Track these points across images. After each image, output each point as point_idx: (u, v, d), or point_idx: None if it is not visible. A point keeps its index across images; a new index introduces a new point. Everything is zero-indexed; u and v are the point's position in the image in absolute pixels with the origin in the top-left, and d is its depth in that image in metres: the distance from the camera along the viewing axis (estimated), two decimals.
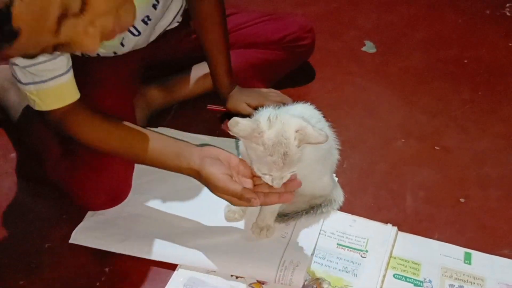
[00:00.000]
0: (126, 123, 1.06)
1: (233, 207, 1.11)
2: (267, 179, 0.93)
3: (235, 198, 0.95)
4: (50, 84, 0.98)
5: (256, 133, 0.89)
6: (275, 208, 1.06)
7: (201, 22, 1.22)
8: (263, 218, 1.07)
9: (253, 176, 0.97)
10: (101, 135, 1.04)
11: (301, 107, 1.04)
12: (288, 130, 0.90)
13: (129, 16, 0.82)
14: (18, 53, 0.72)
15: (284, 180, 0.93)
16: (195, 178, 1.01)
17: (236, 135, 0.90)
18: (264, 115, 0.92)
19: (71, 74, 1.01)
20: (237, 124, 0.90)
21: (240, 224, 1.10)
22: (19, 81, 0.98)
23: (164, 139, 1.05)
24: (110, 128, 1.05)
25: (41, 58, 0.91)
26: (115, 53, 1.21)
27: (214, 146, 1.02)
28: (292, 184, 0.95)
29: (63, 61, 0.98)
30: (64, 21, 0.71)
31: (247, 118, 0.92)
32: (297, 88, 1.50)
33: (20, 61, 0.94)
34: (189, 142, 1.06)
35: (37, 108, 1.01)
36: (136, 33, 1.17)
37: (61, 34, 0.72)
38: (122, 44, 1.18)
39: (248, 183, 0.96)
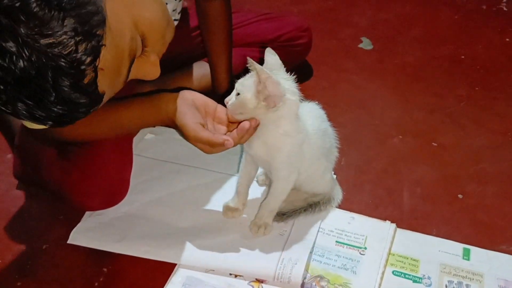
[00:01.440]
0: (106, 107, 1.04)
1: (231, 204, 1.11)
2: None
3: (207, 145, 0.95)
4: None
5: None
6: (274, 206, 1.06)
7: (207, 22, 1.22)
8: (261, 216, 1.07)
9: (229, 123, 0.99)
10: (85, 129, 1.03)
11: (309, 106, 1.04)
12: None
13: (171, 33, 0.86)
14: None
15: (230, 102, 0.94)
16: (172, 127, 1.01)
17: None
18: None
19: None
20: (274, 54, 0.97)
21: (238, 222, 1.10)
22: None
23: (138, 99, 1.04)
24: (90, 118, 1.04)
25: None
26: None
27: (192, 90, 1.02)
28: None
29: None
30: (132, 66, 0.78)
31: None
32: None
33: None
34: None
35: (34, 126, 0.99)
36: None
37: (132, 74, 0.80)
38: None
39: (222, 130, 0.98)
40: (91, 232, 1.08)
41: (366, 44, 1.66)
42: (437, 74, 1.55)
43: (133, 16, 0.75)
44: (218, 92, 1.33)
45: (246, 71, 0.98)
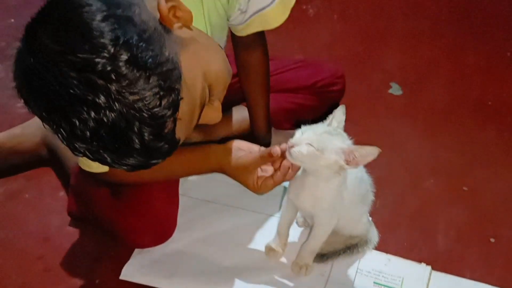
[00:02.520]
0: None
1: (273, 245, 1.16)
2: (293, 138, 1.00)
3: (256, 183, 1.03)
4: None
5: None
6: (314, 248, 1.12)
7: (247, 72, 1.29)
8: (302, 257, 1.13)
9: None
10: (138, 173, 1.11)
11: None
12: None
13: (230, 79, 0.94)
14: None
15: (296, 149, 0.97)
16: (220, 172, 1.09)
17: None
18: None
19: None
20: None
21: (280, 262, 1.15)
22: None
23: (189, 149, 1.12)
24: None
25: None
26: None
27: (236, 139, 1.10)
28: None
29: None
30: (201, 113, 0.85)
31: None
32: None
33: None
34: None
35: (93, 170, 1.08)
36: None
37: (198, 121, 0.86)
38: None
39: (269, 170, 1.04)
40: (142, 268, 1.15)
41: (395, 89, 1.72)
42: (465, 118, 1.61)
43: (202, 69, 0.83)
44: (257, 136, 1.41)
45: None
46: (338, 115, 1.04)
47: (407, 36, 1.98)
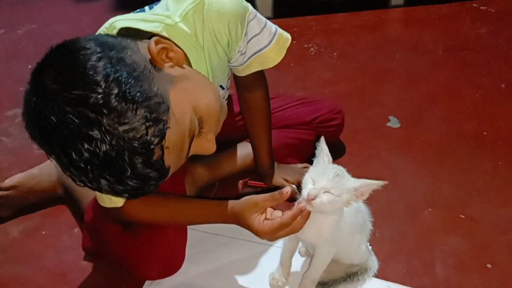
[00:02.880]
0: (169, 195, 1.19)
1: (276, 275, 1.21)
2: (306, 190, 1.02)
3: (271, 233, 1.05)
4: None
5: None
6: (316, 277, 1.17)
7: (249, 111, 1.38)
8: (304, 286, 1.18)
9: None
10: (150, 214, 1.18)
11: None
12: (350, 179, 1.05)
13: (224, 114, 1.03)
14: None
15: (318, 199, 1.00)
16: (232, 223, 1.14)
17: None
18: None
19: None
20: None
21: None
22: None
23: (203, 200, 1.18)
24: (159, 205, 1.18)
25: None
26: None
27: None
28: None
29: None
30: (192, 143, 0.93)
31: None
32: None
33: None
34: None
35: (112, 205, 1.14)
36: None
37: (192, 151, 0.94)
38: None
39: (279, 213, 1.07)
40: None
41: (393, 122, 1.79)
42: (462, 150, 1.67)
43: (192, 103, 0.92)
44: (260, 171, 1.48)
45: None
46: (324, 148, 1.10)
47: (404, 72, 2.07)
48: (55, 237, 1.43)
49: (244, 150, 1.54)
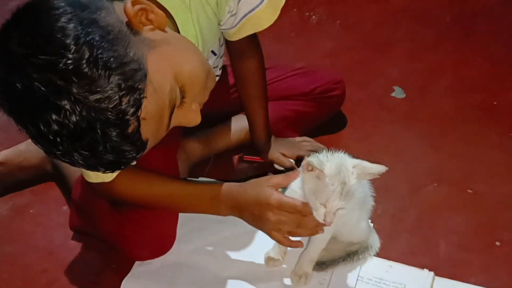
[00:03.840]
0: (165, 176, 1.14)
1: (272, 254, 1.16)
2: (320, 213, 0.98)
3: (296, 214, 1.01)
4: None
5: (322, 165, 0.97)
6: (314, 256, 1.11)
7: (243, 81, 1.30)
8: (301, 265, 1.12)
9: None
10: (144, 193, 1.13)
11: (339, 157, 1.09)
12: (346, 163, 0.97)
13: (213, 82, 0.95)
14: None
15: (336, 219, 0.97)
16: (237, 214, 1.09)
17: (311, 171, 0.97)
18: (319, 154, 1.00)
19: None
20: (313, 162, 0.96)
21: (279, 272, 1.15)
22: None
23: (198, 183, 1.13)
24: (150, 184, 1.13)
25: None
26: None
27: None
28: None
29: None
30: (173, 114, 0.85)
31: (313, 155, 0.99)
32: (329, 136, 1.56)
33: None
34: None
35: (99, 180, 1.08)
36: None
37: (175, 122, 0.87)
38: None
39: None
40: (141, 281, 1.16)
41: (398, 92, 1.71)
42: (469, 122, 1.59)
43: (173, 70, 0.84)
44: (257, 145, 1.41)
45: None
46: (315, 162, 0.98)
47: (410, 42, 1.97)
48: (44, 215, 1.38)
49: (239, 124, 1.47)
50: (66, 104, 0.73)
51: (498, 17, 2.06)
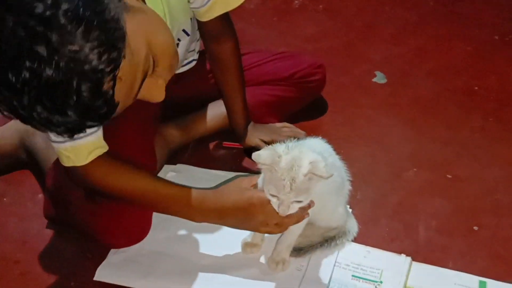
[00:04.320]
0: (144, 172, 1.11)
1: (250, 240, 1.14)
2: (274, 203, 0.98)
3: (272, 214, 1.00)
4: (87, 139, 1.04)
5: (276, 157, 0.96)
6: (291, 242, 1.10)
7: (218, 65, 1.28)
8: (278, 252, 1.11)
9: None
10: (125, 185, 1.09)
11: (313, 141, 1.08)
12: (303, 158, 0.96)
13: (177, 63, 0.94)
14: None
15: (291, 211, 0.97)
16: (216, 221, 1.09)
17: (261, 165, 0.97)
18: (281, 146, 0.99)
19: (102, 127, 1.07)
20: (259, 156, 0.97)
21: (256, 258, 1.13)
22: (54, 141, 1.04)
23: (178, 190, 1.10)
24: (129, 180, 1.10)
25: None
26: None
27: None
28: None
29: None
30: (143, 85, 0.84)
31: (267, 148, 0.99)
32: (310, 121, 1.54)
33: None
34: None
35: (70, 164, 1.06)
36: None
37: (140, 94, 0.85)
38: None
39: None
40: (117, 269, 1.14)
41: (380, 78, 1.70)
42: (450, 106, 1.58)
43: (148, 38, 0.83)
44: (236, 131, 1.39)
45: None
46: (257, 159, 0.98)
47: (393, 26, 1.96)
48: (18, 204, 1.34)
49: (218, 109, 1.44)
50: (43, 51, 0.69)
51: (481, 2, 2.05)
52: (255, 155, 0.97)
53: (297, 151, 0.97)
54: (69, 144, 1.03)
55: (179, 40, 1.22)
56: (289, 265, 1.11)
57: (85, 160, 1.06)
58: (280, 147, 0.99)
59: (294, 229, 1.08)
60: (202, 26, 1.19)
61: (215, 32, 1.20)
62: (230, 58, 1.26)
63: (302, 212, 1.02)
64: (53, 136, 1.03)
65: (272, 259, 1.11)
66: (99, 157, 1.07)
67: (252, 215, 1.04)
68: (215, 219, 1.09)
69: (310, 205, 1.02)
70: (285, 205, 0.97)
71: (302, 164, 0.95)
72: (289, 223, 1.05)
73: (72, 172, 1.09)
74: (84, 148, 1.04)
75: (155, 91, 0.89)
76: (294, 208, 0.98)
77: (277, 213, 1.00)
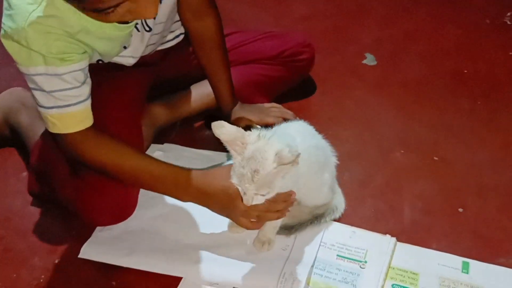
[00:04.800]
0: (133, 150, 1.10)
1: None
2: (240, 191, 0.97)
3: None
4: (74, 108, 1.03)
5: (239, 142, 0.93)
6: (277, 223, 1.10)
7: (202, 44, 1.26)
8: (264, 232, 1.10)
9: None
10: (113, 160, 1.08)
11: (295, 124, 1.07)
12: (269, 150, 0.92)
13: None
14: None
15: (255, 202, 0.96)
16: (201, 203, 1.07)
17: (217, 136, 0.93)
18: (257, 131, 0.96)
19: (90, 99, 1.06)
20: (222, 127, 0.93)
21: (242, 238, 1.13)
22: (41, 105, 1.02)
23: (167, 168, 1.09)
24: (119, 155, 1.09)
25: (68, 85, 1.00)
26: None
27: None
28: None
29: (86, 89, 1.05)
30: None
31: (234, 126, 0.95)
32: (298, 101, 1.53)
33: (46, 85, 1.00)
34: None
35: (55, 130, 1.04)
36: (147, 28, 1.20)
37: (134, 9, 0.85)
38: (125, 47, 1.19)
39: None
40: (101, 247, 1.13)
41: (370, 60, 1.69)
42: (439, 89, 1.58)
43: None
44: (222, 111, 1.38)
45: None
46: (218, 131, 0.94)
47: (384, 8, 1.94)
48: (1, 180, 1.33)
49: (200, 90, 1.42)
50: None
51: None
52: (217, 124, 0.92)
53: (262, 142, 0.92)
54: (56, 111, 1.02)
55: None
56: (274, 245, 1.11)
57: (73, 129, 1.04)
58: (253, 133, 0.95)
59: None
60: (183, 3, 1.16)
61: (196, 8, 1.18)
62: (213, 35, 1.24)
63: (284, 209, 1.02)
64: (41, 100, 1.01)
65: (258, 239, 1.11)
66: (88, 129, 1.06)
67: (234, 204, 1.02)
68: (201, 201, 1.08)
69: (291, 199, 1.00)
70: (249, 196, 0.95)
71: (267, 156, 0.91)
72: (271, 217, 1.04)
73: (60, 140, 1.07)
74: (72, 116, 1.03)
75: (148, 5, 0.87)
76: (259, 200, 0.96)
77: (261, 206, 0.98)
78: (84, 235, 1.16)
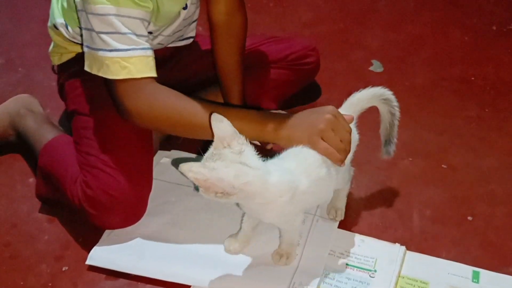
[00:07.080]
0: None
1: (233, 240, 1.12)
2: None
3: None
4: (148, 52, 1.03)
5: (225, 142, 0.91)
6: (292, 242, 1.08)
7: (225, 39, 1.26)
8: (283, 248, 1.08)
9: None
10: (186, 105, 1.07)
11: (297, 152, 1.02)
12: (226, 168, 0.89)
13: None
14: None
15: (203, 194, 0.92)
16: (286, 131, 1.05)
17: (212, 127, 0.93)
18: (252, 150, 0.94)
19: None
20: (220, 122, 0.92)
21: (252, 247, 1.12)
22: (117, 49, 1.01)
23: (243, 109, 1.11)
24: (192, 101, 1.08)
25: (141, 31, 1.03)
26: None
27: None
28: None
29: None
30: None
31: (233, 127, 0.93)
32: (304, 106, 1.53)
33: (123, 27, 1.00)
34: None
35: (125, 76, 1.02)
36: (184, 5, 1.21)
37: None
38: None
39: None
40: (109, 253, 1.12)
41: (376, 66, 1.68)
42: (447, 95, 1.57)
43: None
44: None
45: None
46: (215, 125, 0.93)
47: (390, 13, 1.94)
48: (8, 186, 1.32)
49: (214, 97, 1.42)
50: None
51: None
52: (216, 117, 0.91)
53: (234, 157, 0.90)
54: (133, 53, 1.01)
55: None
56: (293, 259, 1.09)
57: (147, 73, 1.03)
58: (247, 148, 0.92)
59: (289, 237, 1.07)
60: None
61: (231, 3, 1.21)
62: (240, 32, 1.25)
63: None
64: (113, 42, 1.00)
65: (277, 252, 1.09)
66: (155, 78, 1.05)
67: (322, 113, 1.04)
68: (286, 130, 1.05)
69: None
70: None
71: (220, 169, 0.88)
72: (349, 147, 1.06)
73: (123, 88, 1.04)
74: (145, 59, 1.03)
75: None
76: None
77: (342, 129, 1.03)
78: (92, 242, 1.15)
